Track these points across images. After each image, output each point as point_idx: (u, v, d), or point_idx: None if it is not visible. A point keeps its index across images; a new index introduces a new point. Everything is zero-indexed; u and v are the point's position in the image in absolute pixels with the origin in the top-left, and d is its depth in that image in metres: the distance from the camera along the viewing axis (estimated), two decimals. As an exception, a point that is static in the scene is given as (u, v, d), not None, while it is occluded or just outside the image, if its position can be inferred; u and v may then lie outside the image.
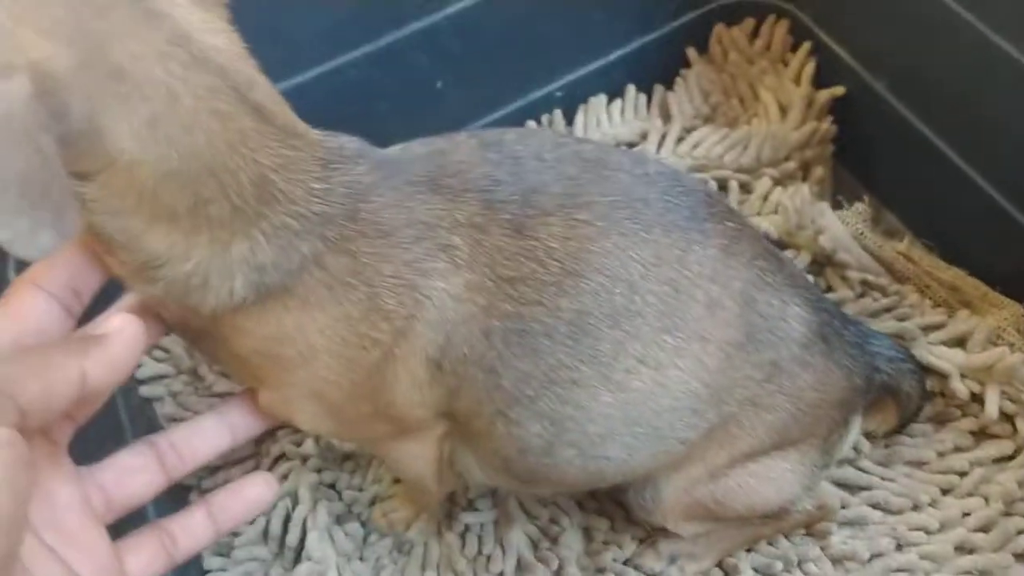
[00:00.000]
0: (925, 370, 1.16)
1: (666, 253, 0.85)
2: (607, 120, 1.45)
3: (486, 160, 0.82)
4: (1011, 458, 1.12)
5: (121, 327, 0.65)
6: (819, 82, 1.42)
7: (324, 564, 1.07)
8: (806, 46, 1.43)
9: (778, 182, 1.36)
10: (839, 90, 1.40)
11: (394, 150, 0.83)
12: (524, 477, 0.93)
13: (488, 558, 1.09)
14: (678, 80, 1.49)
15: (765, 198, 1.34)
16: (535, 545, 1.10)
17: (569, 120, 1.45)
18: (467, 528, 1.12)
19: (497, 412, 0.85)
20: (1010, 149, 1.19)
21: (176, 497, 1.09)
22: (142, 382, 1.21)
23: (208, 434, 0.81)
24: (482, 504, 1.13)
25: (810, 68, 1.41)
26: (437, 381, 0.82)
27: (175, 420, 1.18)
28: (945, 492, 1.11)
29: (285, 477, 1.15)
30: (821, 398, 0.96)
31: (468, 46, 1.32)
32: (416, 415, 0.84)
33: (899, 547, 1.07)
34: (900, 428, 1.14)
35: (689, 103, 1.47)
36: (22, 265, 0.77)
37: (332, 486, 1.15)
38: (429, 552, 1.11)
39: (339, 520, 1.12)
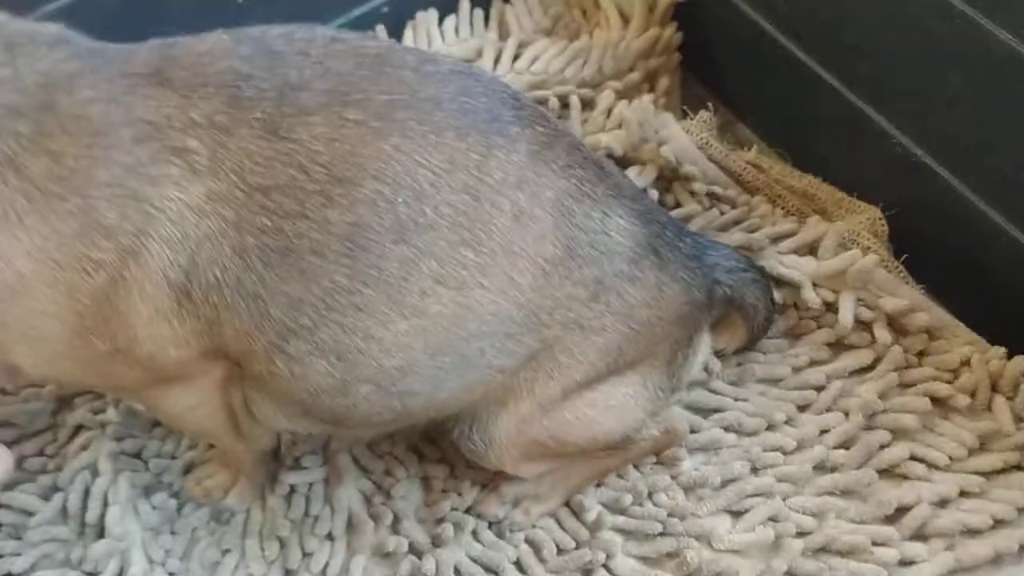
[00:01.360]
0: (777, 283, 1.10)
1: (461, 158, 0.75)
2: (440, 37, 1.34)
3: (234, 53, 0.71)
4: (870, 368, 1.06)
5: None
6: (661, -13, 1.33)
7: (126, 540, 0.95)
8: (645, -51, 1.33)
9: (622, 95, 1.27)
10: (683, -4, 1.31)
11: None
12: (329, 419, 0.83)
13: (315, 519, 0.99)
14: (516, -7, 1.39)
15: (608, 113, 1.26)
16: (368, 501, 1.01)
17: (396, 39, 1.33)
18: (293, 489, 1.01)
19: (273, 347, 0.74)
20: (861, 45, 1.13)
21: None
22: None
23: None
24: (310, 461, 1.03)
25: (651, -28, 1.32)
26: (188, 312, 0.71)
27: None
28: (802, 409, 1.05)
29: (85, 448, 1.03)
30: (656, 315, 0.88)
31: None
32: (172, 356, 0.73)
33: (754, 470, 1.01)
34: (751, 344, 1.07)
35: (528, 16, 1.36)
36: None
37: (137, 455, 1.03)
38: (250, 519, 1.00)
39: (146, 492, 1.00)
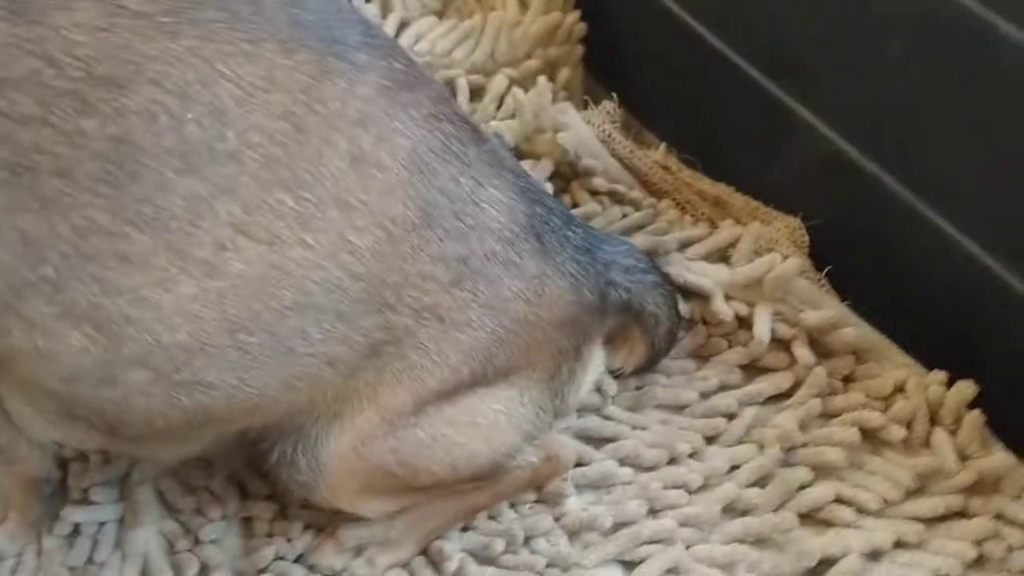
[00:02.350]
0: (684, 293, 0.95)
1: (283, 77, 0.59)
2: (308, 12, 1.17)
3: None
4: (789, 394, 0.91)
5: None
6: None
7: None
8: (547, -71, 1.20)
9: (516, 83, 1.12)
10: (587, -20, 1.18)
11: None
12: (99, 422, 0.64)
13: (101, 567, 0.78)
14: (403, -31, 1.23)
15: (500, 102, 1.11)
16: (171, 546, 0.80)
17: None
18: (77, 529, 0.81)
19: (6, 308, 0.56)
20: (781, 39, 0.99)
21: None
22: None
23: None
24: (101, 495, 0.82)
25: (553, -46, 1.18)
26: None
27: None
28: (710, 440, 0.89)
29: None
30: (536, 313, 0.72)
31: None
32: None
33: (652, 512, 0.84)
34: (652, 363, 0.91)
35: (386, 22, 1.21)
36: None
37: None
38: (21, 565, 0.79)
39: None
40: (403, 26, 1.17)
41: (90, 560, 0.79)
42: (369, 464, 0.71)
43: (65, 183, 0.55)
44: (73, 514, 0.81)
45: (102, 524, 0.81)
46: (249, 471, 0.83)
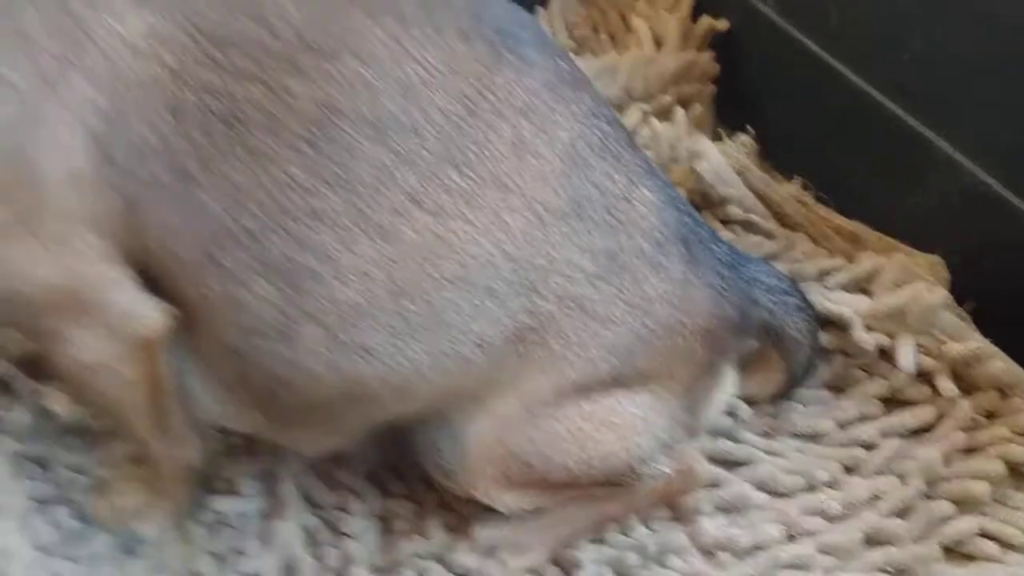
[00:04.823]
0: (823, 323, 0.92)
1: (462, 63, 0.63)
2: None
3: None
4: (931, 427, 0.88)
5: None
6: (699, 13, 1.21)
7: (8, 559, 0.77)
8: (683, -28, 1.22)
9: (651, 116, 1.13)
10: (722, 23, 1.19)
11: None
12: (265, 390, 0.67)
13: (243, 556, 0.81)
14: (539, 11, 1.28)
15: (634, 132, 1.12)
16: (313, 539, 0.82)
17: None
18: (220, 518, 0.83)
19: (206, 257, 0.60)
20: (922, 69, 0.99)
21: None
22: None
23: None
24: (247, 488, 0.85)
25: (688, -5, 1.21)
26: (108, 181, 0.58)
27: None
28: (849, 470, 0.87)
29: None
30: (679, 320, 0.72)
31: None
32: (85, 244, 0.59)
33: (791, 536, 0.82)
34: (788, 391, 0.89)
35: (551, 36, 1.25)
36: None
37: (40, 463, 0.85)
38: (165, 550, 0.82)
39: (43, 506, 0.82)
40: (542, 63, 1.21)
41: (233, 549, 0.82)
42: (507, 451, 0.72)
43: (272, 138, 0.59)
44: (218, 503, 0.83)
45: (244, 515, 0.83)
46: (388, 471, 0.85)
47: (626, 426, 0.73)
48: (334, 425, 0.72)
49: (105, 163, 0.58)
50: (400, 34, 0.61)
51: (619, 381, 0.71)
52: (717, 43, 1.21)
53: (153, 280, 0.62)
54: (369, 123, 0.60)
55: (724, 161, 1.04)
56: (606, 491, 0.77)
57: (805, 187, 1.09)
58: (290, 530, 0.82)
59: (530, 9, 1.28)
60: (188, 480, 0.82)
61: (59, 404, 0.84)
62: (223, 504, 0.83)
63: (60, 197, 0.57)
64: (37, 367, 0.85)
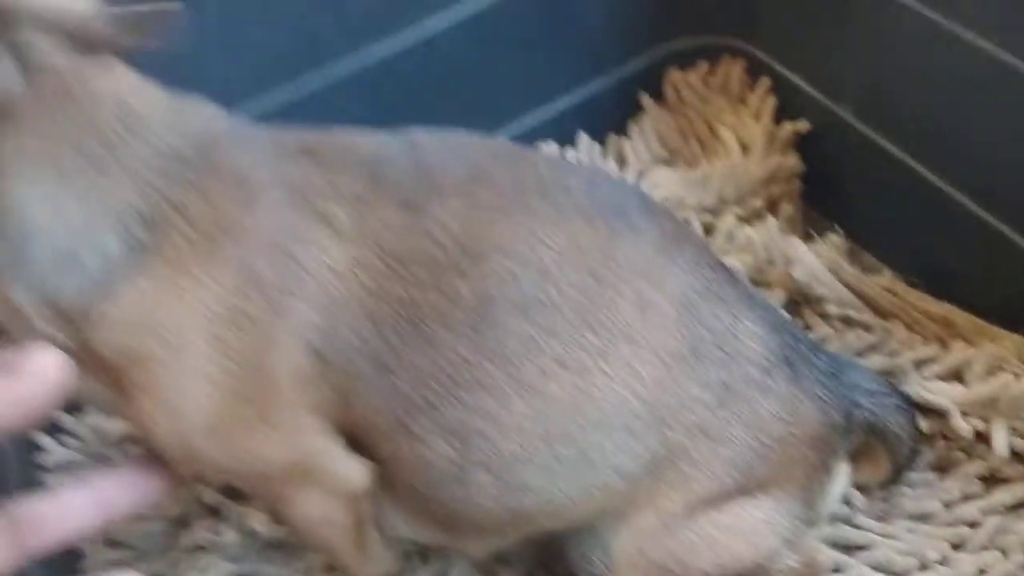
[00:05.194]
0: (922, 410, 1.01)
1: (586, 241, 0.75)
2: (558, 170, 1.35)
3: (379, 141, 0.75)
4: (1027, 504, 0.96)
5: (43, 363, 0.54)
6: (781, 117, 1.31)
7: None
8: (764, 81, 1.33)
9: (744, 220, 1.24)
10: (803, 125, 1.30)
11: None
12: (444, 519, 0.79)
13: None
14: (632, 127, 1.39)
15: (731, 236, 1.23)
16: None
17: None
18: (399, 617, 0.96)
19: (398, 425, 0.72)
20: (991, 160, 1.08)
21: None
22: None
23: (74, 508, 0.67)
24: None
25: (770, 103, 1.32)
26: (323, 378, 0.70)
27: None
28: (956, 547, 0.95)
29: (202, 572, 0.99)
30: (790, 432, 0.82)
31: (403, 92, 1.23)
32: (309, 425, 0.71)
33: (909, 614, 0.90)
34: (895, 477, 0.98)
35: (646, 149, 1.37)
36: None
37: (246, 577, 0.99)
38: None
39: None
40: (640, 175, 1.32)
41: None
42: (648, 561, 0.82)
43: (446, 331, 0.71)
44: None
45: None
46: (541, 568, 0.96)
47: (752, 530, 0.82)
48: (500, 537, 0.84)
49: (321, 364, 0.70)
50: (534, 227, 0.73)
51: (742, 490, 0.81)
52: (800, 145, 1.31)
53: (355, 441, 0.76)
54: (516, 305, 0.71)
55: (817, 262, 1.14)
56: (739, 585, 0.87)
57: (896, 277, 1.19)
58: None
59: (625, 122, 1.40)
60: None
61: (260, 523, 0.98)
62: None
63: (289, 394, 0.70)
64: (238, 491, 0.99)
